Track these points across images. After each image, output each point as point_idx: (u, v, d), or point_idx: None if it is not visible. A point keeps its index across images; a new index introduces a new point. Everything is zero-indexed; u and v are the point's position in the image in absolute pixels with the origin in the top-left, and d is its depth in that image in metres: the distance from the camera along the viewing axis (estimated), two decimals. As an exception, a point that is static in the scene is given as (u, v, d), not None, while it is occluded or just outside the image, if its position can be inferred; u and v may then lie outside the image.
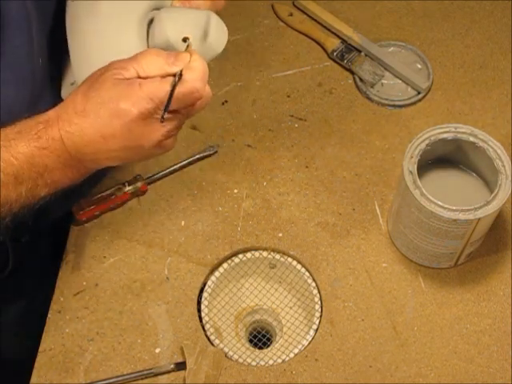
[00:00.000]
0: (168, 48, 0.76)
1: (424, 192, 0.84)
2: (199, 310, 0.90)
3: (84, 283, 0.91)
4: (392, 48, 1.09)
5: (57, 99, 0.81)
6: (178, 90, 0.71)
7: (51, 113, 0.73)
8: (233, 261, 0.93)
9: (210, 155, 1.00)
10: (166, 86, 0.70)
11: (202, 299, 0.91)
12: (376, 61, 1.07)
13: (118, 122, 0.70)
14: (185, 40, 0.76)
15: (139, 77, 0.71)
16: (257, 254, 0.94)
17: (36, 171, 0.71)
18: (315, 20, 1.11)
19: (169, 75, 0.71)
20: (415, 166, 0.86)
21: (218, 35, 0.77)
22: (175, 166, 0.98)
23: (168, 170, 0.98)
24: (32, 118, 0.72)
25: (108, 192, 0.94)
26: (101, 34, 0.79)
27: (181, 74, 0.71)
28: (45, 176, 0.72)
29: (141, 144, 0.72)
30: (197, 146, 1.00)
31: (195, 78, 0.72)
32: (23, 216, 0.74)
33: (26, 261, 0.94)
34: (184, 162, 0.98)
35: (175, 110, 0.72)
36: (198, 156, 0.99)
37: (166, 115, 0.71)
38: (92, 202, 0.94)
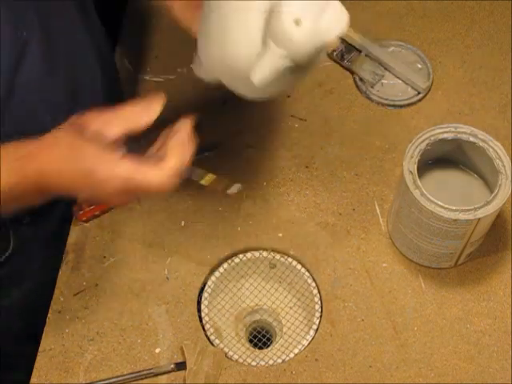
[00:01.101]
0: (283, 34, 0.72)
1: (424, 192, 0.84)
2: (199, 310, 0.90)
3: (84, 283, 0.91)
4: (392, 48, 1.09)
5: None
6: (142, 180, 0.71)
7: (32, 147, 0.72)
8: (233, 261, 0.93)
9: (209, 155, 1.00)
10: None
11: (202, 299, 0.91)
12: (376, 61, 1.07)
13: (89, 181, 0.70)
14: (297, 22, 0.71)
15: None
16: (257, 253, 0.94)
17: (10, 199, 0.72)
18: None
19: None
20: (415, 166, 0.86)
21: (335, 17, 0.72)
22: (175, 166, 0.98)
23: (168, 170, 0.98)
24: (13, 149, 0.72)
25: (108, 193, 0.94)
26: (224, 16, 0.75)
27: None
28: (18, 201, 0.73)
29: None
30: (197, 146, 1.00)
31: (162, 174, 0.72)
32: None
33: (26, 246, 0.94)
34: (184, 162, 0.98)
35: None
36: (197, 157, 0.99)
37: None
38: (91, 202, 0.94)
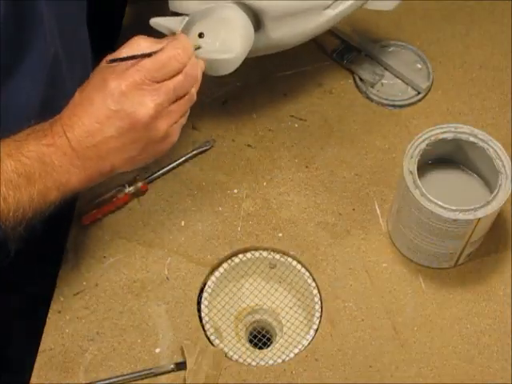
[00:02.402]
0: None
1: (424, 192, 0.84)
2: (199, 310, 0.90)
3: (84, 283, 0.91)
4: (392, 48, 1.09)
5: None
6: (158, 54, 0.75)
7: (57, 115, 0.74)
8: (233, 261, 0.93)
9: (206, 150, 1.00)
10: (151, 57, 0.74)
11: (202, 299, 0.91)
12: (376, 61, 1.07)
13: (109, 100, 0.73)
14: (200, 35, 0.81)
15: None
16: (257, 254, 0.94)
17: (45, 170, 0.72)
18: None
19: None
20: (415, 166, 0.86)
21: None
22: (173, 164, 0.98)
23: (166, 169, 0.98)
24: (41, 123, 0.74)
25: (109, 194, 0.94)
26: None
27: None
28: (54, 176, 0.73)
29: (133, 121, 0.74)
30: (197, 145, 1.00)
31: (175, 45, 0.76)
32: (34, 223, 0.74)
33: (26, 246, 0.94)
34: (181, 159, 0.98)
35: (160, 79, 0.74)
36: (194, 152, 0.99)
37: (150, 81, 0.74)
38: (94, 205, 0.94)
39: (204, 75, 0.81)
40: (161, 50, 0.75)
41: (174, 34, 0.82)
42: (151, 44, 0.76)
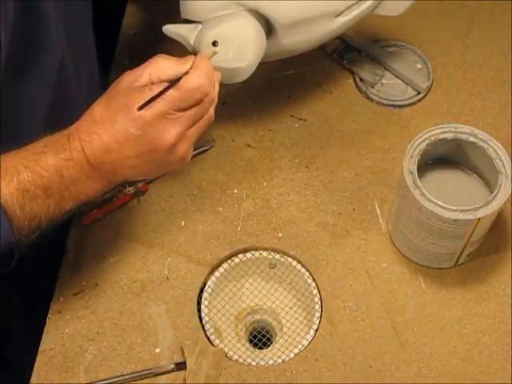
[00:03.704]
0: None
1: (424, 192, 0.84)
2: (199, 310, 0.90)
3: (84, 283, 0.91)
4: (392, 48, 1.09)
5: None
6: (184, 85, 0.73)
7: (73, 126, 0.75)
8: (233, 261, 0.93)
9: (206, 150, 1.00)
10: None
11: (202, 299, 0.91)
12: (376, 61, 1.07)
13: (132, 126, 0.72)
14: (214, 44, 0.80)
15: (152, 82, 0.74)
16: (257, 254, 0.94)
17: (63, 183, 0.73)
18: (315, 20, 1.11)
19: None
20: (415, 166, 0.86)
21: None
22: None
23: (167, 169, 0.98)
24: (56, 134, 0.74)
25: (109, 195, 0.94)
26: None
27: (186, 73, 0.74)
28: (71, 188, 0.74)
29: (154, 147, 0.74)
30: (197, 145, 1.00)
31: (199, 74, 0.74)
32: (48, 231, 0.75)
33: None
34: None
35: (184, 108, 0.74)
36: (194, 152, 0.99)
37: (166, 111, 0.73)
38: (94, 205, 0.94)
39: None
40: (185, 79, 0.74)
41: (193, 50, 0.82)
42: (173, 64, 0.75)
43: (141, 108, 0.72)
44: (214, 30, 0.81)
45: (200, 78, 0.74)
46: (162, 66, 0.75)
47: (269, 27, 0.85)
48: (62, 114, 0.76)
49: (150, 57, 0.77)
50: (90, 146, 0.73)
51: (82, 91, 0.90)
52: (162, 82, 0.74)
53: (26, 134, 0.74)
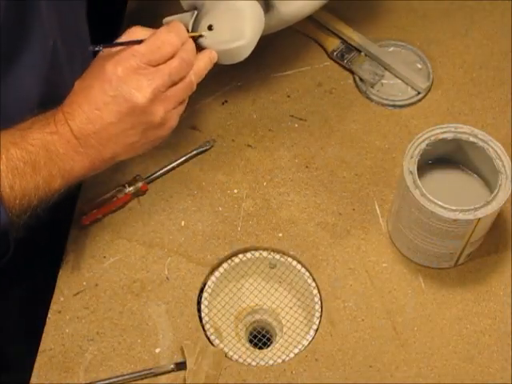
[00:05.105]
0: None
1: (424, 192, 0.84)
2: (199, 310, 0.90)
3: (84, 283, 0.91)
4: (392, 48, 1.09)
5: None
6: (151, 37, 0.77)
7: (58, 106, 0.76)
8: (233, 261, 0.93)
9: (206, 150, 1.00)
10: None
11: (202, 299, 0.91)
12: (376, 61, 1.07)
13: (107, 87, 0.74)
14: (210, 28, 0.82)
15: None
16: (257, 254, 0.94)
17: (50, 158, 0.74)
18: (315, 20, 1.11)
19: None
20: (415, 166, 0.86)
21: None
22: (173, 164, 0.98)
23: (166, 169, 0.98)
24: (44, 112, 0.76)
25: (109, 194, 0.94)
26: None
27: None
28: (58, 164, 0.74)
29: (132, 105, 0.75)
30: (197, 145, 1.00)
31: (168, 29, 0.78)
32: (39, 212, 0.75)
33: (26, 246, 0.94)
34: (181, 159, 0.98)
35: (155, 62, 0.76)
36: (194, 152, 0.99)
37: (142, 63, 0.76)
38: (94, 205, 0.94)
39: (216, 65, 0.83)
40: (153, 34, 0.77)
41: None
42: (147, 33, 0.78)
43: (104, 47, 0.76)
44: (208, 14, 0.83)
45: (168, 31, 0.77)
46: (137, 35, 0.77)
47: (266, 1, 0.86)
48: (54, 102, 0.77)
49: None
50: (73, 117, 0.74)
51: (76, 79, 0.89)
52: None
53: (19, 121, 0.75)
